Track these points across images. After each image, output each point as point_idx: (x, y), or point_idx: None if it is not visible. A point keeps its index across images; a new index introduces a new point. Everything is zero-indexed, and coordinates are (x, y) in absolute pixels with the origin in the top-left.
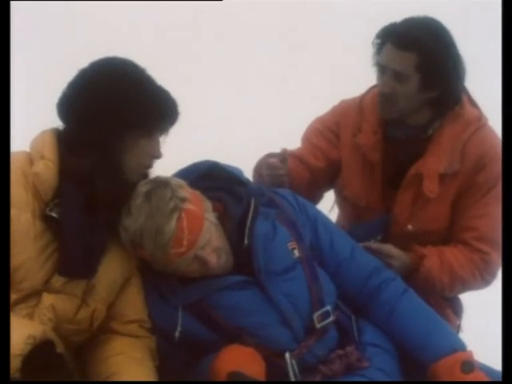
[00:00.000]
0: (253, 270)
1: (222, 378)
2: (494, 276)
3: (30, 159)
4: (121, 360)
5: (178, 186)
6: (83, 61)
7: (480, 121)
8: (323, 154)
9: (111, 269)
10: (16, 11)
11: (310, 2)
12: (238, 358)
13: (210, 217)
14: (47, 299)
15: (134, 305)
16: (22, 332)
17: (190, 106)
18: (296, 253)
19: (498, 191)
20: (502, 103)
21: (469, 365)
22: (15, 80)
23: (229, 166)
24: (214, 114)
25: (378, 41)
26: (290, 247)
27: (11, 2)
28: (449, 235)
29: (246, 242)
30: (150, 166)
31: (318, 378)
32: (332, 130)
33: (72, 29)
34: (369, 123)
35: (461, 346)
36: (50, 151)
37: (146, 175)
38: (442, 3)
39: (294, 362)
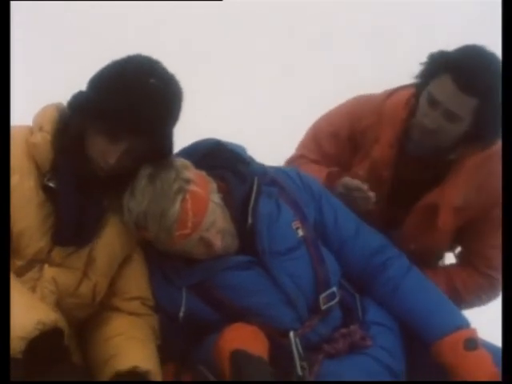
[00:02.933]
0: (256, 250)
1: (226, 356)
2: (498, 295)
3: (31, 131)
4: (121, 341)
5: (182, 167)
6: (83, 60)
7: (499, 154)
8: (337, 163)
9: (111, 242)
10: (16, 11)
11: (309, 2)
12: (242, 337)
13: (215, 198)
14: (48, 272)
15: (136, 281)
16: (34, 316)
17: (188, 105)
18: (300, 232)
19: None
20: (503, 104)
21: (472, 342)
22: (15, 80)
23: (231, 144)
24: (212, 113)
25: (433, 66)
26: (294, 226)
27: (11, 2)
28: (460, 257)
29: (249, 221)
30: (102, 167)
31: (321, 357)
32: (346, 136)
33: (72, 29)
34: (386, 135)
35: (464, 324)
36: (49, 124)
37: (103, 172)
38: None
39: (297, 340)
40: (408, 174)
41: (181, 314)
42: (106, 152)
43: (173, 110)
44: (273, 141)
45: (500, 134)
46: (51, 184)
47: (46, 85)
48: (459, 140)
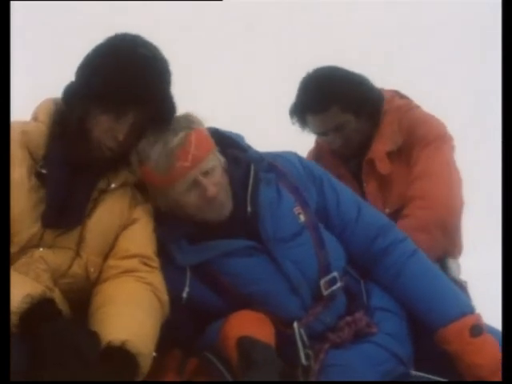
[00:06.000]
0: (260, 237)
1: (232, 342)
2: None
3: (28, 122)
4: (104, 313)
5: (189, 114)
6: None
7: (408, 105)
8: None
9: (103, 222)
10: (16, 11)
11: (309, 2)
12: (248, 323)
13: (218, 155)
14: (37, 253)
15: (136, 241)
16: (21, 291)
17: (189, 104)
18: (302, 217)
19: (433, 148)
20: (502, 103)
21: (477, 328)
22: (15, 80)
23: (230, 132)
24: (213, 112)
25: (296, 119)
26: (295, 212)
27: (11, 1)
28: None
29: (249, 209)
30: (110, 147)
31: (327, 347)
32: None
33: (72, 28)
34: (327, 161)
35: (469, 310)
36: (44, 115)
37: (106, 154)
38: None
39: (302, 331)
40: (355, 161)
41: (184, 295)
42: (113, 129)
43: (166, 74)
44: (273, 141)
45: (376, 97)
46: (43, 170)
47: (46, 84)
48: (365, 128)
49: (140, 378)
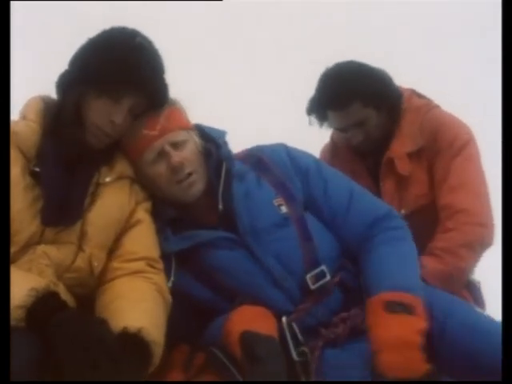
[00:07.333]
0: (239, 231)
1: (235, 338)
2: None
3: (16, 122)
4: (116, 305)
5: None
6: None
7: (428, 105)
8: None
9: (103, 214)
10: (16, 11)
11: (309, 2)
12: (250, 317)
13: (195, 137)
14: (39, 249)
15: (142, 243)
16: (25, 285)
17: (188, 104)
18: (283, 209)
19: (465, 157)
20: (502, 103)
21: (396, 305)
22: (15, 80)
23: (209, 128)
24: (213, 112)
25: (316, 115)
26: (275, 203)
27: (11, 1)
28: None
29: (220, 206)
30: (108, 132)
31: (321, 344)
32: None
33: (72, 29)
34: (344, 159)
35: (402, 288)
36: (33, 113)
37: (103, 141)
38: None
39: (293, 325)
40: (373, 158)
41: (169, 284)
42: (110, 114)
43: (162, 64)
44: (273, 140)
45: (395, 91)
46: (37, 169)
47: (46, 84)
48: (385, 124)
49: (152, 368)
